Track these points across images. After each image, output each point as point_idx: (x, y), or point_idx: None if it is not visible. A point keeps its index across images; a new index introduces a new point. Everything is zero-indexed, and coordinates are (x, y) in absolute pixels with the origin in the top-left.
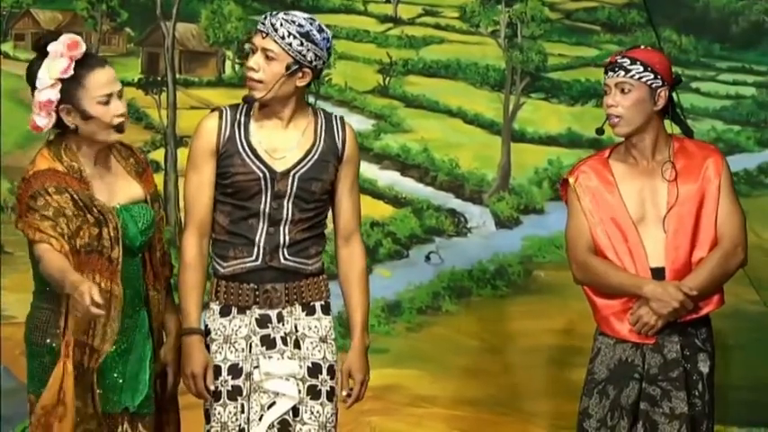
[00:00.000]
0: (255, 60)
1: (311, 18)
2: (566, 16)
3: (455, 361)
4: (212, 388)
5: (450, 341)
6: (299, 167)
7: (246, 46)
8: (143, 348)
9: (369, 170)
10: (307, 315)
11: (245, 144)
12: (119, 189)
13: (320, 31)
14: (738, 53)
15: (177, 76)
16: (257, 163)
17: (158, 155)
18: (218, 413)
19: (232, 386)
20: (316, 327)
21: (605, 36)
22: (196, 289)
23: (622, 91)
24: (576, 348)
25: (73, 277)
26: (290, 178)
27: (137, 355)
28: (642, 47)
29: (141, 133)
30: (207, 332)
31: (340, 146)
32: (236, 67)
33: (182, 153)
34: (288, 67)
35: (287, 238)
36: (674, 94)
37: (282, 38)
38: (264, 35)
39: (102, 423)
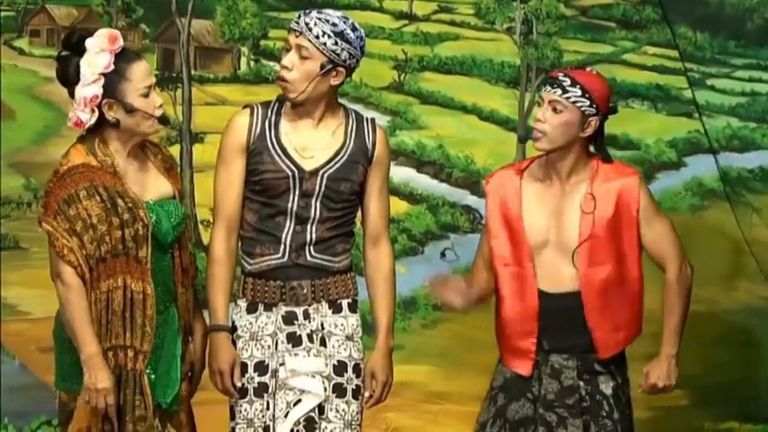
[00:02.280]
0: (290, 59)
1: (345, 17)
2: (581, 13)
3: (470, 357)
4: (239, 385)
5: (466, 337)
6: (327, 167)
7: (263, 43)
8: (173, 345)
9: None
10: (333, 313)
11: (275, 142)
12: (150, 185)
13: (354, 29)
14: (754, 50)
15: (192, 72)
16: (286, 161)
17: (174, 151)
18: (245, 410)
19: (258, 383)
20: (342, 324)
21: (620, 33)
22: (224, 285)
23: (554, 109)
24: None
25: (90, 349)
26: (319, 177)
27: (167, 351)
28: (588, 69)
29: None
30: (234, 329)
31: (370, 147)
32: (252, 63)
33: (197, 149)
34: (322, 67)
35: (314, 236)
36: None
37: (317, 37)
38: (298, 34)
39: (153, 424)
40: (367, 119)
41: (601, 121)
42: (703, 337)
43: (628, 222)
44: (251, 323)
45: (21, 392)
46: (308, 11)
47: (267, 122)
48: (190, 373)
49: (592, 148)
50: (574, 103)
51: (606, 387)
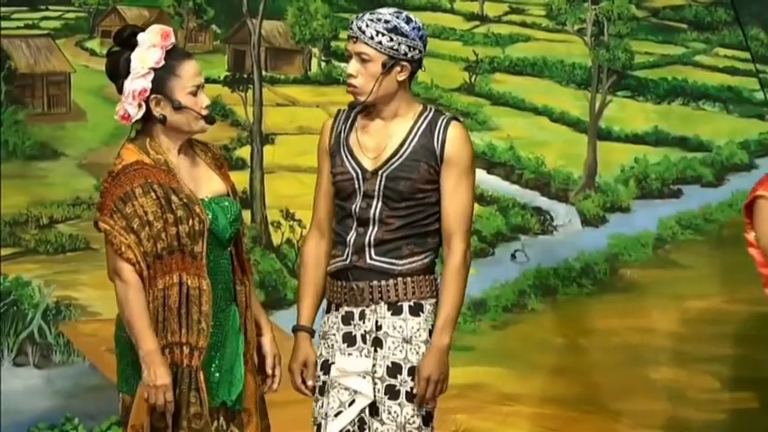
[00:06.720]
0: (353, 66)
1: (397, 11)
2: (652, 14)
3: (540, 359)
4: (310, 383)
5: (536, 339)
6: (386, 166)
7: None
8: (236, 343)
9: None
10: (392, 314)
11: (344, 144)
12: (203, 183)
13: (408, 21)
14: None
15: (263, 73)
16: (351, 162)
17: (244, 152)
18: (313, 408)
19: (323, 381)
20: (400, 327)
21: (692, 34)
22: (308, 287)
23: None
24: (661, 347)
25: (148, 346)
26: (378, 177)
27: (230, 349)
28: None
29: (227, 130)
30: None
31: (438, 146)
32: (322, 64)
33: (267, 150)
34: (384, 65)
35: (372, 237)
36: None
37: (372, 38)
38: (355, 40)
39: (209, 421)
40: (443, 118)
41: None
42: None
43: None
44: (324, 322)
45: (91, 393)
46: (360, 15)
47: (346, 124)
48: (272, 373)
49: None
50: None
51: None
